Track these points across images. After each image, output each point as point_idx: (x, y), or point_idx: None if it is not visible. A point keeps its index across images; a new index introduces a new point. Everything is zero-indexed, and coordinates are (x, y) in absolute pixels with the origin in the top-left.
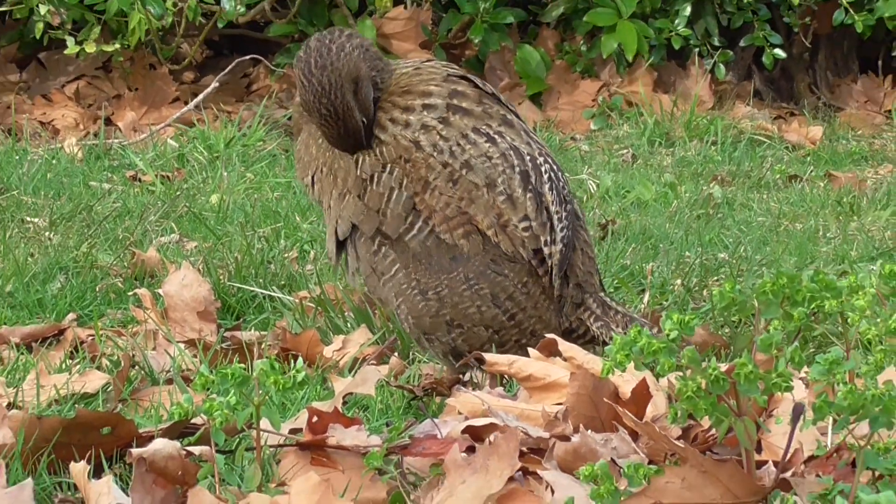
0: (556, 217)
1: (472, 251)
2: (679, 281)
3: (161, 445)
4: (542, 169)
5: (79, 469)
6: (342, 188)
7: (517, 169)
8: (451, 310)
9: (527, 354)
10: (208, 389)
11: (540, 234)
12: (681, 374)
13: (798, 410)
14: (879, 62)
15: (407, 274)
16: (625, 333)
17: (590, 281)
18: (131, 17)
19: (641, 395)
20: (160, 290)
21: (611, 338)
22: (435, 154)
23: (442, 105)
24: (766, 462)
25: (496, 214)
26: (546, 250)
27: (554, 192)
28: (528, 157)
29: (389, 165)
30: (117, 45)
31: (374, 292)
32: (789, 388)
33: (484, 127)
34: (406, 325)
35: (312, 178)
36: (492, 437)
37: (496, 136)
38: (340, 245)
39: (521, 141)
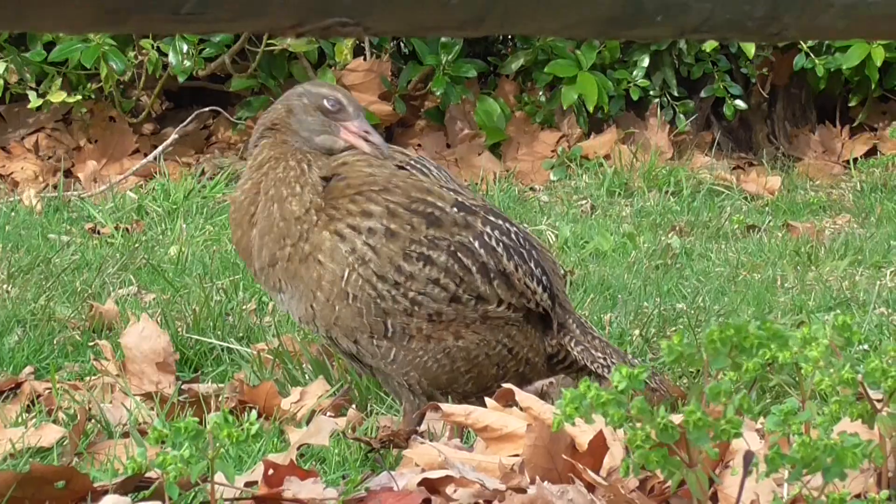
0: (527, 278)
1: (469, 336)
2: (637, 331)
3: (113, 502)
4: (494, 236)
5: None
6: (330, 294)
7: (473, 268)
8: (464, 362)
9: (525, 383)
10: (163, 443)
11: (519, 305)
12: (631, 425)
13: (748, 458)
14: (837, 112)
15: (408, 348)
16: (604, 359)
17: (568, 300)
18: (101, 68)
19: (598, 446)
20: (119, 341)
21: (592, 362)
22: (379, 301)
23: (381, 230)
24: None
25: (472, 310)
26: (532, 304)
27: (518, 251)
28: (476, 243)
29: (361, 284)
30: (79, 97)
31: (380, 370)
32: (738, 435)
33: (413, 247)
34: (418, 387)
35: (287, 257)
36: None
37: (430, 253)
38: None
39: (465, 214)
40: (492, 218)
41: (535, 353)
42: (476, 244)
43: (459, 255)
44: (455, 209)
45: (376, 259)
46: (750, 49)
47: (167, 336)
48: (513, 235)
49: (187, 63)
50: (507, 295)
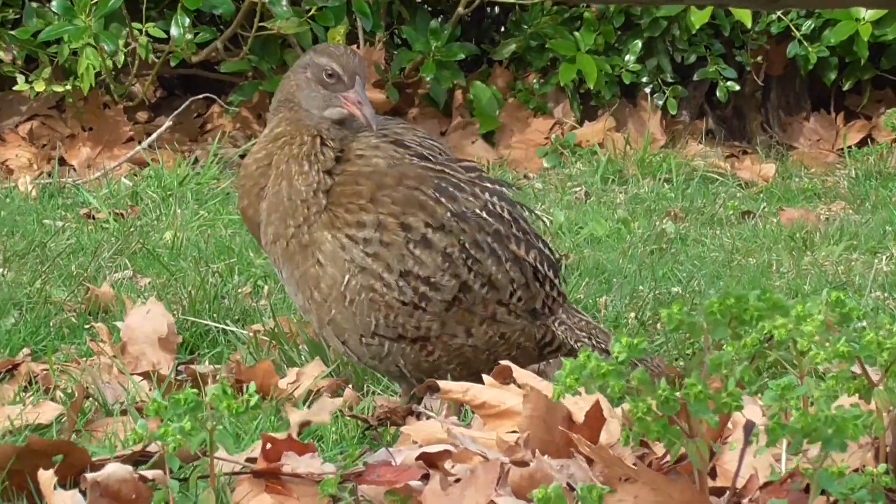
0: (532, 254)
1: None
2: (633, 314)
3: (114, 469)
4: (488, 212)
5: (46, 478)
6: (328, 296)
7: (484, 252)
8: (456, 355)
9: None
10: (161, 416)
11: (530, 297)
12: (632, 398)
13: (749, 427)
14: (831, 101)
15: (396, 350)
16: (588, 339)
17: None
18: (80, 63)
19: (595, 419)
20: (118, 324)
21: (576, 341)
22: (387, 291)
23: (375, 239)
24: (723, 490)
25: (483, 309)
26: (539, 282)
27: (515, 223)
28: (474, 225)
29: (360, 289)
30: (68, 86)
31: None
32: (739, 408)
33: (409, 237)
34: (408, 373)
35: (290, 235)
36: (471, 468)
37: (419, 243)
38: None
39: (467, 195)
40: (481, 184)
41: (526, 338)
42: (473, 227)
43: (468, 241)
44: (449, 214)
45: (373, 266)
46: (747, 18)
47: (171, 317)
48: (497, 205)
49: (189, 36)
50: (519, 277)
